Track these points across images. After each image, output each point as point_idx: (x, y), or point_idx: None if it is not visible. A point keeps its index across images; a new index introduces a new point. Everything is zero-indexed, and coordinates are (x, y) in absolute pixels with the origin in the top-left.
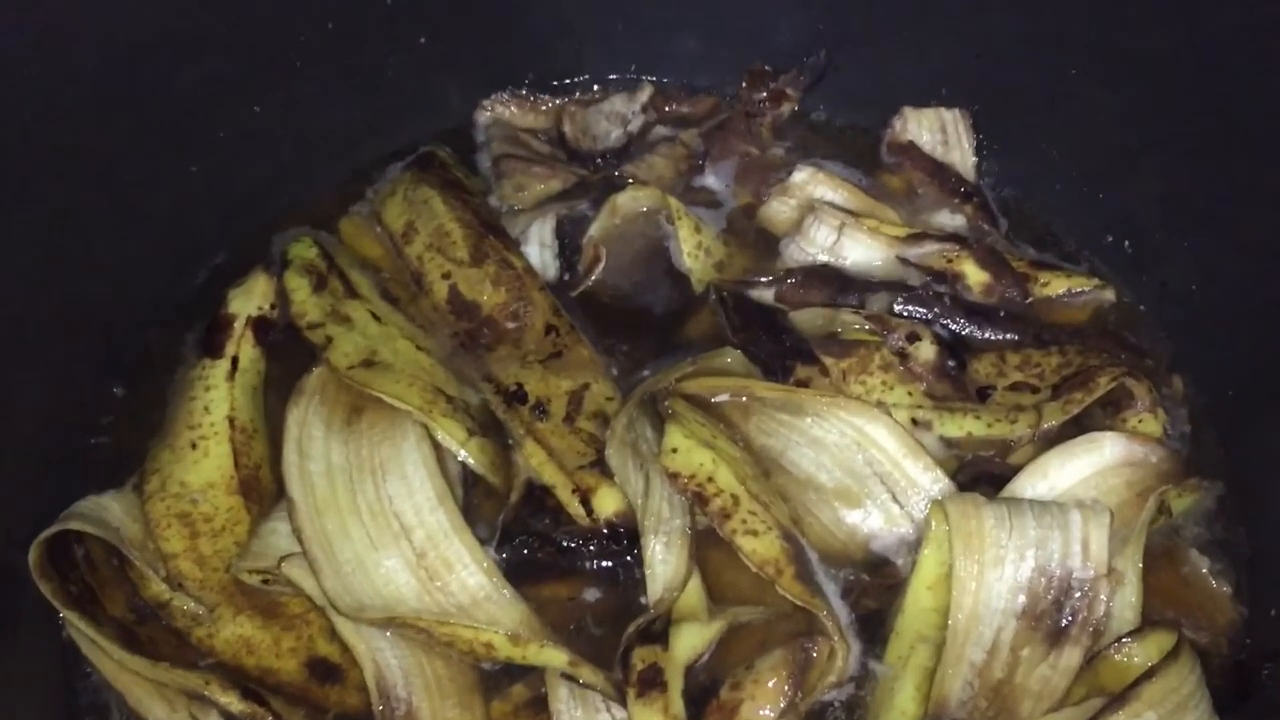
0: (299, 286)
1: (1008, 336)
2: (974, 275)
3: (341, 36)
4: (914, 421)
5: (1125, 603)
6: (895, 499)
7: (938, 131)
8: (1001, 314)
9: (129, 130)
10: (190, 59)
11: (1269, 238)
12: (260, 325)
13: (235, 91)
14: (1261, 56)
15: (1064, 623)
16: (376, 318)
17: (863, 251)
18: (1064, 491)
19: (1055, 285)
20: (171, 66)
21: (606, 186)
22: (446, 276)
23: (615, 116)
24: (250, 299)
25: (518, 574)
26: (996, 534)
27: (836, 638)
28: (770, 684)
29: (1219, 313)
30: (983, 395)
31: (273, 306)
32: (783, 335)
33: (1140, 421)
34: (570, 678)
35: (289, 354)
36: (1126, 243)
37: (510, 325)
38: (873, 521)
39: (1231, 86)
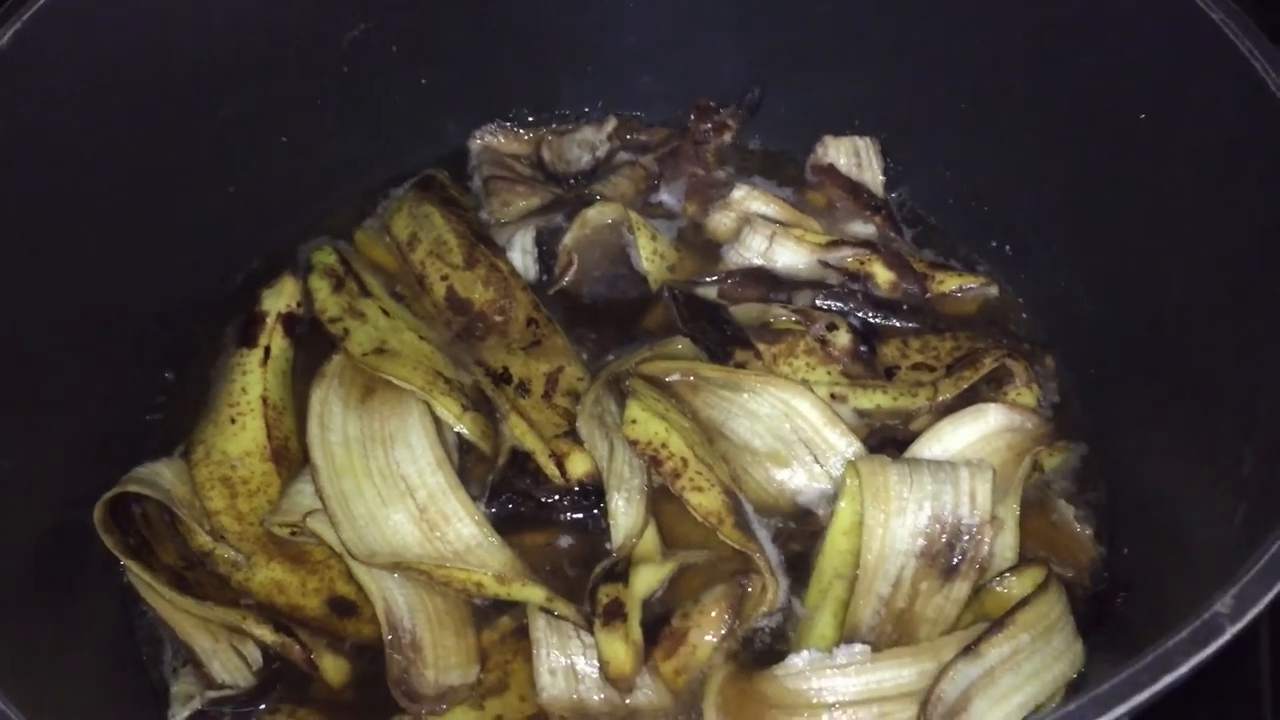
0: (321, 287)
1: (910, 325)
2: (882, 275)
3: (355, 78)
4: (832, 396)
5: (1005, 544)
6: (817, 460)
7: (853, 155)
8: (905, 307)
9: (179, 156)
10: (229, 96)
11: (1118, 247)
12: (289, 320)
13: (267, 123)
14: (1113, 101)
15: (955, 561)
16: (386, 313)
17: (790, 256)
18: (955, 453)
19: (949, 282)
20: (214, 102)
21: (578, 202)
22: (444, 278)
23: (585, 144)
24: (280, 298)
25: (503, 525)
26: (899, 489)
27: (768, 575)
28: (713, 614)
29: (1083, 305)
30: (889, 374)
31: (299, 304)
32: (724, 325)
33: (1018, 394)
34: (547, 610)
35: (312, 344)
36: (1007, 247)
37: (498, 319)
38: (798, 479)
39: (1089, 123)
